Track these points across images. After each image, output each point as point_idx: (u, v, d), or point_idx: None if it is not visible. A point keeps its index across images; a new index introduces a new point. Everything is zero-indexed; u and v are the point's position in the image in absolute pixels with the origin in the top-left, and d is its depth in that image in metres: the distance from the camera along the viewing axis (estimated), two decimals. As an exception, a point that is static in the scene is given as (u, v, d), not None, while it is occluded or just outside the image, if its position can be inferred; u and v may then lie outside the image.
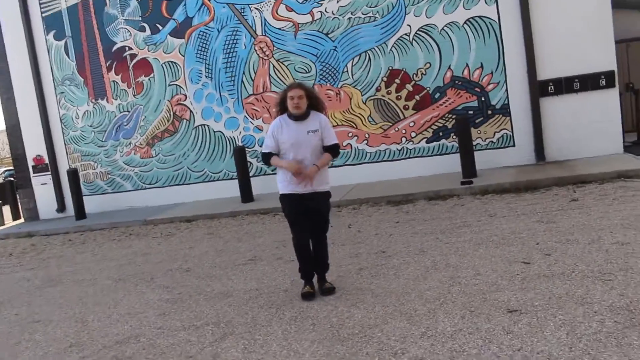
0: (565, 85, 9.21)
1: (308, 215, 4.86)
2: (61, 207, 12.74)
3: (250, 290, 5.41)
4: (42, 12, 12.30)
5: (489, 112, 9.60)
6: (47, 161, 12.75)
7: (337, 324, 4.19)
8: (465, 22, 9.52)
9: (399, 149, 10.08)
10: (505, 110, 9.53)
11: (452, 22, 9.58)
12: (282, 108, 4.87)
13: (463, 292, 4.43)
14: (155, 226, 10.00)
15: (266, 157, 4.90)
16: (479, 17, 9.45)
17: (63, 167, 12.57)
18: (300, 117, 4.78)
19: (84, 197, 12.06)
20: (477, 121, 9.60)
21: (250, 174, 10.37)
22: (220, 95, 11.09)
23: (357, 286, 5.00)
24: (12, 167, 13.88)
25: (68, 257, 8.66)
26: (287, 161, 4.76)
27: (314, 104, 4.88)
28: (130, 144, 11.99)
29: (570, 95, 9.21)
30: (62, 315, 5.56)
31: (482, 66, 9.54)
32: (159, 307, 5.34)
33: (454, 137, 9.67)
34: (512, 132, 9.54)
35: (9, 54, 12.65)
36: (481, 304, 4.13)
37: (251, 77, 10.81)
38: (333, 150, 4.93)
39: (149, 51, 11.53)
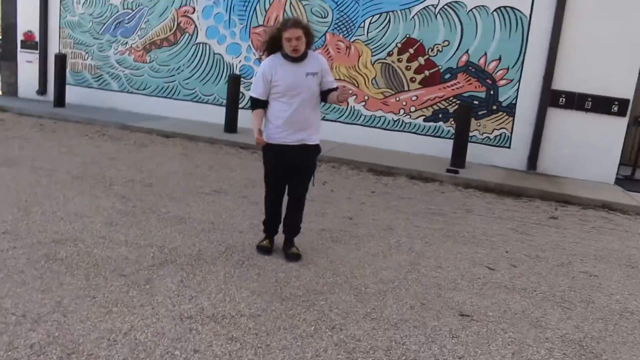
0: (577, 101, 8.91)
1: (290, 172, 4.39)
2: (42, 90, 12.27)
3: (205, 221, 5.17)
4: None
5: (494, 107, 9.30)
6: (37, 39, 12.19)
7: (282, 280, 3.98)
8: (495, 10, 9.10)
9: (395, 119, 9.76)
10: (510, 110, 9.23)
11: (482, 6, 9.15)
12: (273, 47, 4.26)
13: (419, 281, 4.24)
14: (132, 133, 9.65)
15: (254, 102, 4.31)
16: (512, 7, 9.03)
17: (53, 49, 12.02)
18: (296, 59, 4.20)
19: (68, 87, 11.58)
20: (479, 113, 9.30)
21: (240, 105, 9.99)
22: (230, 17, 10.58)
23: (314, 247, 4.79)
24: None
25: (34, 141, 8.31)
26: (256, 129, 4.17)
27: (310, 42, 4.28)
28: (126, 43, 11.47)
29: (579, 112, 8.92)
30: (7, 199, 5.28)
31: (500, 59, 9.18)
32: (108, 215, 5.09)
33: (452, 122, 9.38)
34: (511, 133, 9.27)
35: None
36: (434, 298, 3.94)
37: (265, 8, 10.31)
38: (336, 89, 4.41)
39: (168, -48, 10.92)
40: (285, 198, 4.53)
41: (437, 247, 5.14)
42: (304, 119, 4.28)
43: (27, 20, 12.22)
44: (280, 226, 4.60)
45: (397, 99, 9.71)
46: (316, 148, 4.45)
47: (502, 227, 6.09)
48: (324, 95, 4.40)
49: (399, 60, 9.62)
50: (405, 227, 5.67)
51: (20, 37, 12.42)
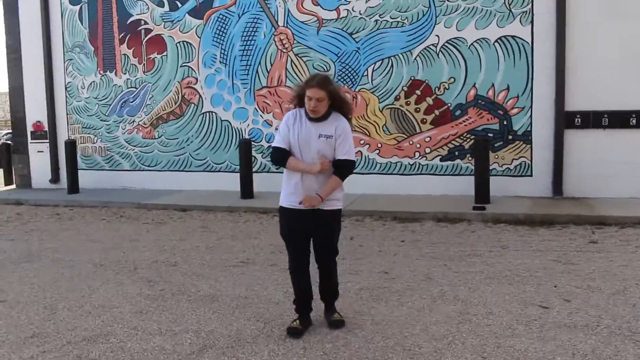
0: (593, 119, 8.75)
1: (309, 235, 4.09)
2: (55, 178, 12.28)
3: (238, 297, 4.94)
4: (60, -26, 11.87)
5: (510, 137, 9.13)
6: (46, 128, 12.29)
7: (331, 352, 3.73)
8: (496, 40, 9.06)
9: (411, 163, 9.61)
10: (526, 138, 9.06)
11: (483, 38, 9.12)
12: (300, 102, 4.12)
13: (474, 332, 3.96)
14: (148, 211, 9.53)
15: (279, 154, 4.03)
16: (512, 36, 8.99)
17: (62, 136, 12.11)
18: (315, 120, 4.00)
19: (80, 171, 11.60)
20: (496, 145, 9.13)
21: (254, 169, 9.90)
22: (233, 83, 10.62)
23: (356, 309, 4.53)
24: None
25: (52, 232, 8.19)
26: (311, 164, 3.94)
27: (338, 106, 4.07)
28: (133, 121, 11.52)
29: (596, 130, 8.74)
30: (32, 297, 5.10)
31: (508, 88, 9.08)
32: (137, 303, 4.88)
33: (470, 158, 9.21)
34: (531, 161, 9.07)
35: (21, 11, 12.21)
36: (494, 350, 3.66)
37: (267, 69, 10.35)
38: (343, 167, 4.00)
39: (164, 28, 11.07)
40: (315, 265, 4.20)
41: (482, 291, 4.87)
42: (316, 183, 3.98)
43: (35, 111, 12.38)
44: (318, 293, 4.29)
45: (411, 142, 9.58)
46: (333, 214, 4.10)
47: (543, 259, 5.82)
48: (334, 165, 4.03)
49: (407, 104, 9.54)
50: (445, 275, 5.41)
51: (30, 128, 12.53)
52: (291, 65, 10.14)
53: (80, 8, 11.77)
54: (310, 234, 4.10)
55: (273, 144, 4.13)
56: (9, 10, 12.43)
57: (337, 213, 4.15)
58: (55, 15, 11.96)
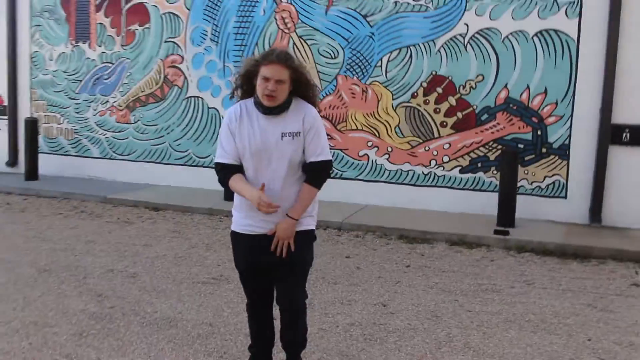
0: (644, 136, 8.39)
1: (269, 272, 3.45)
2: (12, 161, 11.96)
3: (202, 323, 4.62)
4: None
5: (544, 150, 8.76)
6: (5, 103, 11.98)
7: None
8: (536, 34, 8.68)
9: (425, 172, 9.24)
10: (563, 152, 8.68)
11: (519, 31, 8.75)
12: (248, 86, 3.37)
13: (485, 394, 3.61)
14: (115, 207, 9.22)
15: (223, 172, 3.36)
16: (555, 30, 8.61)
17: (24, 113, 11.79)
18: (273, 110, 3.28)
19: (41, 155, 11.28)
20: (526, 158, 8.75)
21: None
22: (224, 65, 10.28)
23: (343, 350, 4.19)
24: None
25: (-3, 225, 7.88)
26: (253, 192, 3.19)
27: (303, 91, 3.40)
28: (107, 102, 11.19)
29: (647, 149, 8.38)
30: (-48, 307, 4.77)
31: (545, 92, 8.70)
32: (78, 322, 4.56)
33: (495, 171, 8.84)
34: (567, 180, 8.69)
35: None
36: (509, 420, 3.30)
37: (264, 50, 10.00)
38: (319, 172, 3.39)
39: (149, -4, 10.76)
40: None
41: (499, 338, 4.52)
42: (277, 198, 3.25)
43: (-6, 82, 12.08)
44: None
45: (427, 148, 9.21)
46: (304, 238, 3.41)
47: (574, 303, 5.46)
48: (304, 170, 3.39)
49: (426, 102, 9.17)
50: (455, 313, 5.06)
51: (-14, 102, 12.25)
52: (293, 49, 9.78)
53: (54, -34, 11.47)
54: (271, 267, 3.42)
55: (216, 158, 3.43)
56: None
57: (309, 236, 3.46)
58: (23, -27, 11.68)
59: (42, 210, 8.98)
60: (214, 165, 3.48)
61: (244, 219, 3.40)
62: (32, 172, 11.00)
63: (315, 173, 3.38)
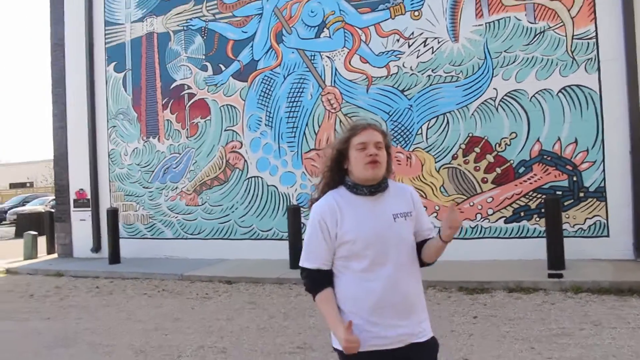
0: (675, 172, 7.92)
1: None
2: (96, 247, 11.93)
3: (297, 394, 4.24)
4: (106, 42, 11.86)
5: (581, 194, 8.34)
6: (89, 196, 12.04)
7: None
8: (560, 91, 8.42)
9: (472, 226, 8.86)
10: (600, 194, 8.25)
11: (545, 89, 8.50)
12: (335, 174, 2.58)
13: None
14: (192, 283, 8.97)
15: (311, 281, 2.50)
16: (577, 85, 8.34)
17: (104, 204, 11.82)
18: (376, 188, 2.52)
19: (122, 240, 11.21)
20: (565, 203, 8.33)
21: (303, 237, 9.29)
22: (279, 146, 10.19)
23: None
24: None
25: (91, 309, 7.68)
26: (338, 328, 2.35)
27: (387, 165, 2.60)
28: (176, 188, 11.15)
29: (680, 182, 7.90)
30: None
31: (576, 141, 8.36)
32: (182, 403, 4.22)
33: (537, 219, 8.43)
34: (607, 219, 8.22)
35: (67, 81, 12.26)
36: None
37: (314, 131, 9.89)
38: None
39: (208, 92, 10.82)
40: None
41: (589, 387, 4.06)
42: (403, 296, 2.46)
43: (77, 178, 12.20)
44: None
45: (471, 203, 8.86)
46: (433, 345, 2.55)
47: (649, 341, 4.96)
48: (418, 249, 2.60)
49: (466, 162, 8.88)
50: (537, 363, 4.60)
51: (72, 196, 12.32)
52: (340, 126, 9.67)
53: (125, 75, 11.68)
54: None
55: (303, 264, 2.54)
56: (56, 81, 12.48)
57: (436, 343, 2.57)
58: (100, 84, 11.91)
59: (127, 291, 8.77)
60: (301, 273, 2.56)
61: (362, 331, 2.39)
62: (114, 256, 10.91)
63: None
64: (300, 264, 2.53)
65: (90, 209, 12.03)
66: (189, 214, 11.04)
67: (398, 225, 2.47)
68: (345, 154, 2.53)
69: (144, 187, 11.54)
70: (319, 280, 2.47)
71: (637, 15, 8.06)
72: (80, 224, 12.21)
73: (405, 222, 2.51)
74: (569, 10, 8.39)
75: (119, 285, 9.31)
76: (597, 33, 8.28)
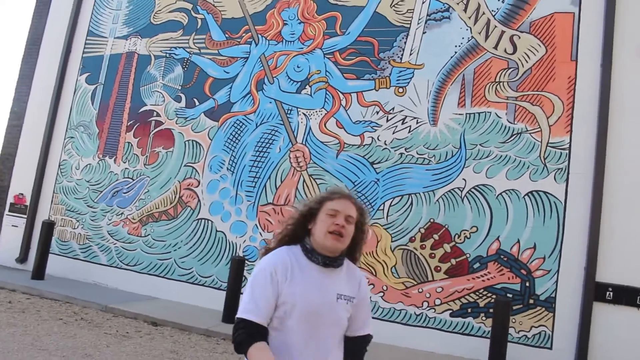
0: (626, 296, 7.70)
1: None
2: (22, 258, 11.00)
3: None
4: (84, 52, 11.33)
5: (531, 301, 8.04)
6: (27, 203, 11.18)
7: None
8: (527, 194, 8.25)
9: (417, 313, 8.42)
10: (549, 305, 7.97)
11: (512, 189, 8.32)
12: (300, 229, 2.51)
13: None
14: (114, 317, 8.20)
15: (246, 334, 2.29)
16: (544, 192, 8.18)
17: (42, 215, 10.99)
18: (331, 261, 2.44)
19: (52, 255, 10.35)
20: (514, 307, 8.00)
21: (242, 291, 8.68)
22: (237, 193, 9.67)
23: None
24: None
25: (-4, 327, 6.83)
26: None
27: (356, 244, 2.56)
28: (122, 214, 10.44)
29: (630, 308, 7.67)
30: None
31: (535, 247, 8.13)
32: None
33: (484, 317, 8.06)
34: (552, 331, 7.92)
35: (35, 80, 11.59)
36: None
37: (276, 185, 9.44)
38: (363, 348, 2.59)
39: (176, 123, 10.32)
40: None
41: None
42: None
43: (21, 182, 11.38)
44: None
45: (420, 290, 8.46)
46: None
47: None
48: (345, 342, 2.52)
49: (422, 247, 8.54)
50: None
51: (10, 199, 11.43)
52: (303, 186, 9.26)
53: (95, 88, 11.12)
54: None
55: (242, 314, 2.34)
56: (23, 78, 11.80)
57: None
58: (67, 91, 11.30)
59: (42, 312, 7.94)
60: (236, 324, 2.34)
61: None
62: (39, 272, 10.01)
63: (361, 350, 2.57)
64: (239, 316, 2.33)
65: (25, 216, 11.16)
66: (129, 242, 10.29)
67: (339, 306, 2.42)
68: (315, 214, 2.47)
69: (88, 206, 10.78)
70: (256, 334, 2.29)
71: (609, 136, 8.03)
72: (12, 230, 11.30)
73: (347, 305, 2.45)
74: (547, 118, 8.33)
75: (35, 304, 8.45)
76: (570, 145, 8.21)
